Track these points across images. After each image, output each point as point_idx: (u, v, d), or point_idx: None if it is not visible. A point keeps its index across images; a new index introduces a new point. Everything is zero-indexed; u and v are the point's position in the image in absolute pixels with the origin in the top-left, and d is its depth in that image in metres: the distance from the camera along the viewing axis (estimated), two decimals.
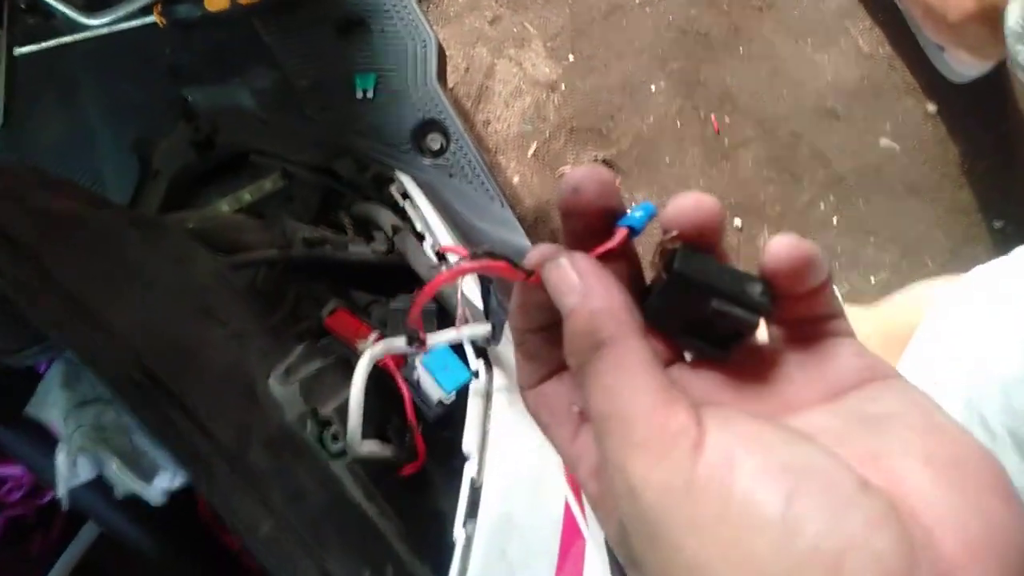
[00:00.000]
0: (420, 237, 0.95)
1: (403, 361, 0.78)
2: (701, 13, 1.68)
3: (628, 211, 0.32)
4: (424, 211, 1.01)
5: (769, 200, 1.69)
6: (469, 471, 0.65)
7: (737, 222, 1.70)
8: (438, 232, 0.98)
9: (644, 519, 0.24)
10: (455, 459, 0.67)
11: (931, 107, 1.62)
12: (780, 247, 0.29)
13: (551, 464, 0.72)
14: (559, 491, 0.71)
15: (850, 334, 0.31)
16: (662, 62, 1.67)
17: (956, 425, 0.25)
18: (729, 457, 0.24)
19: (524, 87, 1.73)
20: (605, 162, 1.73)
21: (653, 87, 1.68)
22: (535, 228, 1.78)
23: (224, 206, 1.24)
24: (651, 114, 1.69)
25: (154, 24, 1.15)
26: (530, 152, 1.75)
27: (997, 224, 1.68)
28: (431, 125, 1.23)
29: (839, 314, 0.31)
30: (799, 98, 1.65)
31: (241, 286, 0.76)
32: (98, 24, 1.18)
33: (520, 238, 1.20)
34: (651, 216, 0.32)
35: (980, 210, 1.68)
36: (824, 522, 0.21)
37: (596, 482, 0.31)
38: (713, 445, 0.24)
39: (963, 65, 1.54)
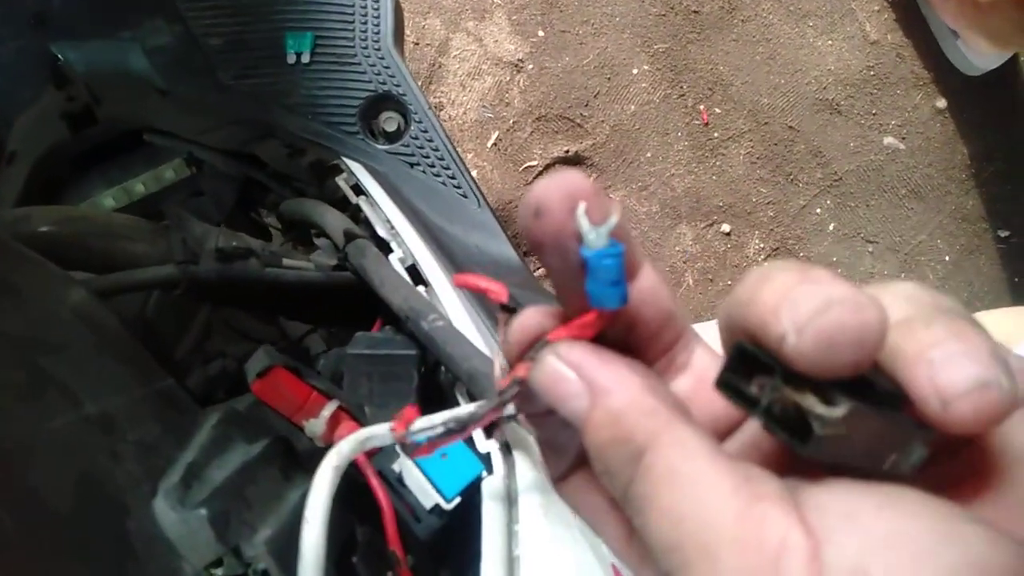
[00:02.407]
0: (384, 246, 0.69)
1: (376, 448, 0.51)
2: None
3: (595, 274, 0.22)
4: (387, 211, 0.74)
5: (761, 203, 1.50)
6: None
7: (725, 227, 1.50)
8: (406, 237, 0.72)
9: None
10: None
11: (940, 103, 1.46)
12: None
13: None
14: None
15: None
16: (646, 42, 1.45)
17: None
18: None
19: (484, 66, 1.47)
20: (577, 156, 1.50)
21: (635, 70, 1.45)
22: None
23: (109, 200, 0.95)
24: (632, 102, 1.46)
25: None
26: (490, 142, 1.49)
27: (1002, 233, 1.53)
28: (385, 100, 0.96)
29: None
30: (797, 88, 1.46)
31: (115, 324, 0.48)
32: None
33: (502, 245, 0.95)
34: (615, 268, 0.22)
35: (985, 218, 1.53)
36: None
37: None
38: (836, 559, 0.18)
39: (978, 55, 1.38)
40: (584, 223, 0.21)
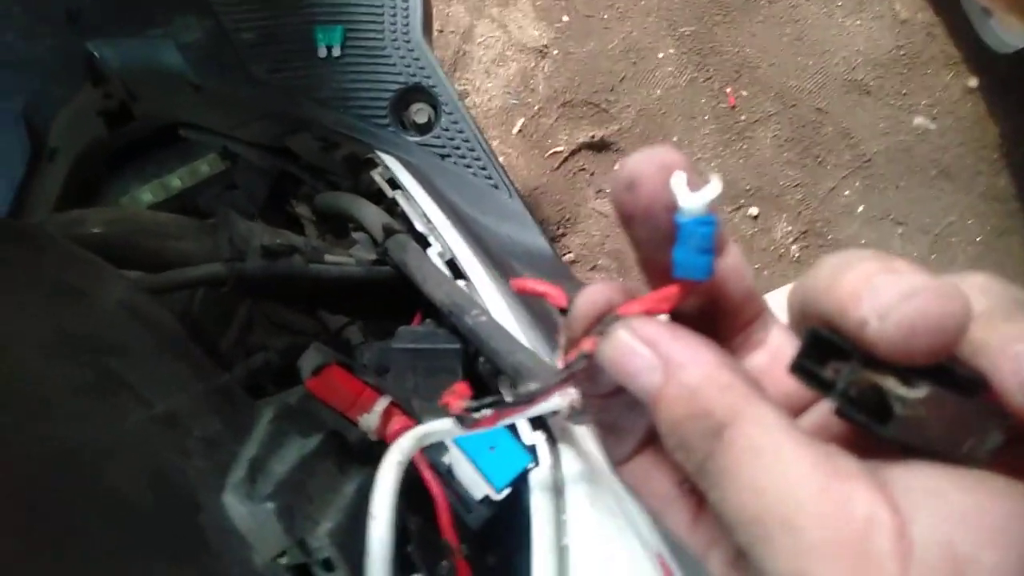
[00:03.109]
0: (422, 241, 0.70)
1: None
2: None
3: (682, 239, 0.22)
4: (423, 205, 0.75)
5: (789, 185, 1.49)
6: None
7: (752, 210, 1.49)
8: (443, 231, 0.73)
9: None
10: None
11: (972, 82, 1.44)
12: None
13: None
14: None
15: None
16: (672, 25, 1.44)
17: None
18: (951, 553, 0.18)
19: (509, 53, 1.47)
20: (603, 141, 1.50)
21: (661, 54, 1.45)
22: None
23: (146, 195, 0.96)
24: (658, 86, 1.46)
25: None
26: (515, 129, 1.50)
27: None
28: (415, 92, 0.97)
29: None
30: (825, 69, 1.44)
31: (171, 322, 0.50)
32: None
33: (533, 234, 0.96)
34: (707, 238, 0.21)
35: (1017, 198, 1.51)
36: None
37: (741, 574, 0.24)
38: (925, 536, 0.18)
39: (1011, 33, 1.35)
40: (682, 188, 0.21)
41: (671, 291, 0.23)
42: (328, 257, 0.66)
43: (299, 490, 0.42)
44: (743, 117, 1.46)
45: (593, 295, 0.24)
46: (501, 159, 1.52)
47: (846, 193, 1.50)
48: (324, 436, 0.47)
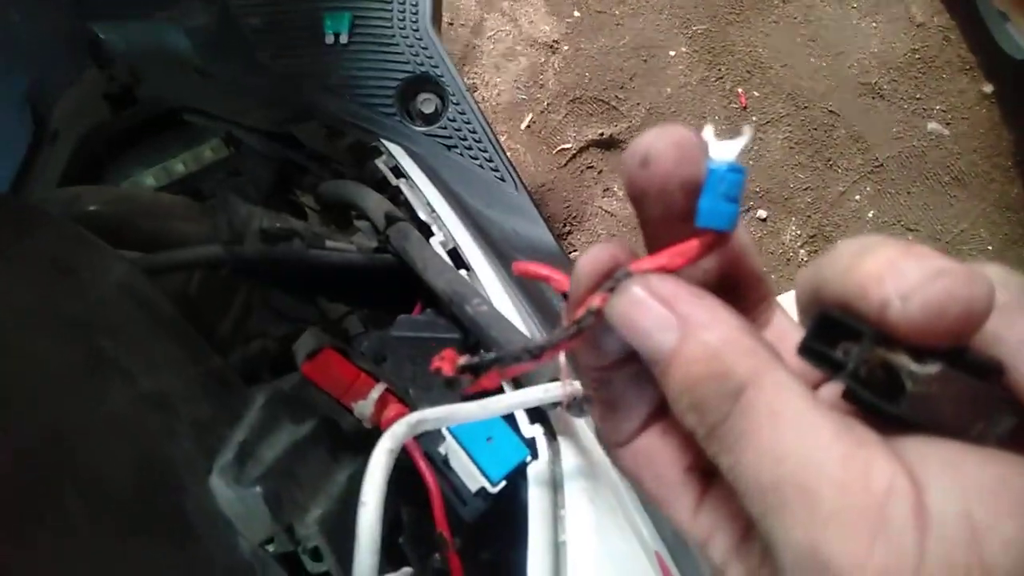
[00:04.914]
0: (425, 229, 0.68)
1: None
2: None
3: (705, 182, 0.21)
4: (427, 194, 0.74)
5: (799, 188, 1.47)
6: None
7: (761, 213, 1.48)
8: (447, 220, 0.72)
9: None
10: None
11: (987, 87, 1.42)
12: None
13: None
14: None
15: None
16: (684, 23, 1.42)
17: None
18: (968, 523, 0.17)
19: (519, 47, 1.46)
20: (612, 139, 1.48)
21: (672, 52, 1.43)
22: None
23: (149, 179, 0.95)
24: (668, 84, 1.44)
25: None
26: (524, 124, 1.48)
27: None
28: (423, 82, 0.96)
29: None
30: (839, 71, 1.43)
31: (166, 304, 0.48)
32: None
33: (539, 229, 0.94)
34: (736, 187, 0.21)
35: None
36: None
37: (744, 562, 0.23)
38: (942, 506, 0.18)
39: None
40: (712, 137, 0.21)
41: (689, 246, 0.22)
42: (328, 243, 0.65)
43: (289, 476, 0.41)
44: (754, 118, 1.44)
45: (598, 253, 0.23)
46: (509, 155, 1.51)
47: (856, 198, 1.48)
48: (317, 423, 0.46)
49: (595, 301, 0.23)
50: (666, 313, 0.21)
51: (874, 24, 1.41)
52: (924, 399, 0.19)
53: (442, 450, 0.47)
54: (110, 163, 0.98)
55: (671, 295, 0.22)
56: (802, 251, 1.49)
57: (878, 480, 0.18)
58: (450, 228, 0.68)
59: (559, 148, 1.48)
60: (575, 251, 1.53)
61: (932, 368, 0.19)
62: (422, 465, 0.44)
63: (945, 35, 1.40)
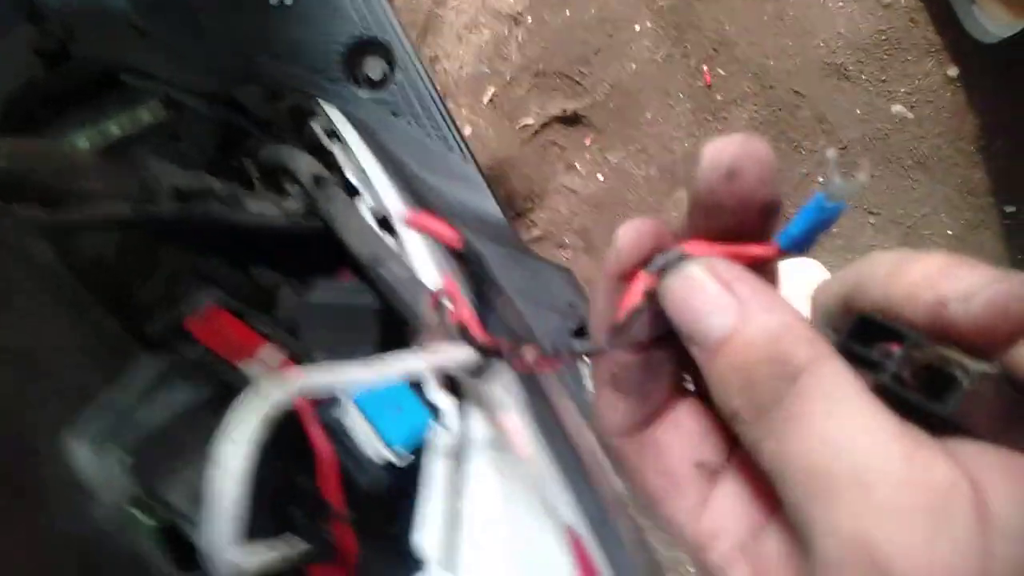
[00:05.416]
0: (353, 192, 0.66)
1: (325, 399, 0.49)
2: None
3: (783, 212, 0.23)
4: (359, 156, 0.71)
5: None
6: None
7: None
8: (379, 186, 0.69)
9: None
10: (408, 561, 0.40)
11: (952, 71, 1.41)
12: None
13: (556, 567, 0.45)
14: None
15: None
16: None
17: None
18: None
19: (482, 19, 1.43)
20: (575, 115, 1.46)
21: (637, 27, 1.41)
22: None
23: (83, 141, 0.91)
24: (633, 60, 1.42)
25: None
26: (486, 98, 1.45)
27: (1009, 209, 1.49)
28: (370, 46, 0.92)
29: None
30: (805, 51, 1.41)
31: (50, 259, 0.45)
32: None
33: (485, 200, 0.92)
34: (831, 222, 0.22)
35: (992, 192, 1.48)
36: None
37: (751, 563, 0.22)
38: (1005, 507, 0.18)
39: (994, 22, 1.33)
40: (835, 170, 0.22)
41: (766, 249, 0.23)
42: (251, 204, 0.62)
43: (169, 443, 0.38)
44: (719, 97, 1.43)
45: (641, 227, 0.23)
46: (469, 129, 1.48)
47: (820, 180, 1.47)
48: (211, 389, 0.43)
49: (645, 283, 0.22)
50: (726, 295, 0.21)
51: (841, 3, 1.39)
52: (973, 399, 0.19)
53: (344, 418, 0.45)
54: (44, 124, 0.94)
55: (732, 279, 0.22)
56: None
57: (941, 479, 0.18)
58: (380, 193, 0.66)
59: (522, 123, 1.46)
60: (536, 228, 1.51)
61: (986, 366, 0.19)
62: (312, 430, 0.42)
63: (912, 16, 1.39)
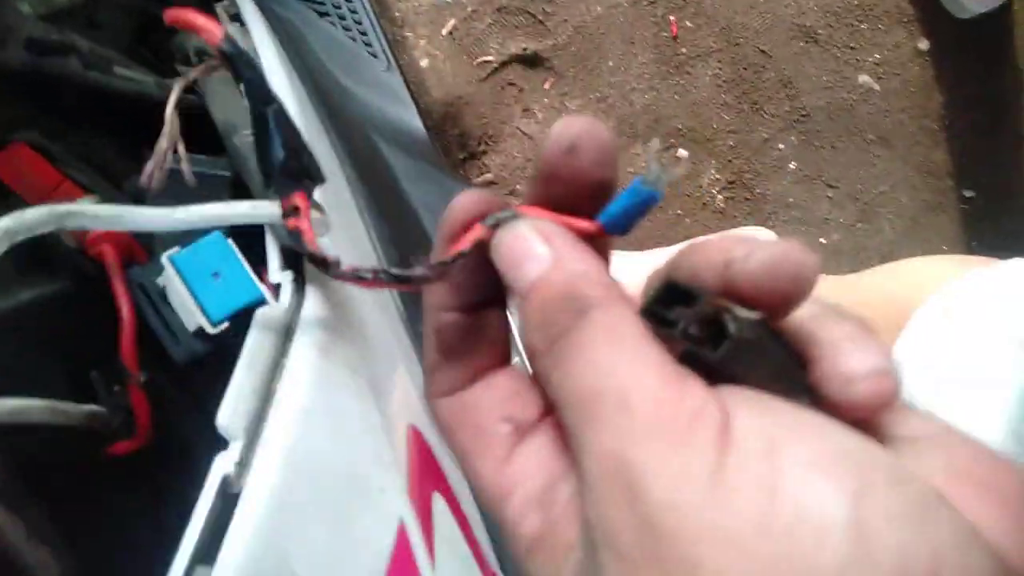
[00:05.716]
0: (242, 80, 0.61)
1: (143, 255, 0.45)
2: None
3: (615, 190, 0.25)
4: (259, 44, 0.66)
5: (722, 130, 1.42)
6: (220, 466, 0.34)
7: (682, 152, 1.42)
8: (275, 79, 0.64)
9: (649, 525, 0.19)
10: (210, 440, 0.36)
11: (923, 44, 1.37)
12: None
13: (382, 464, 0.41)
14: (389, 513, 0.41)
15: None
16: None
17: (996, 452, 0.21)
18: (769, 444, 0.19)
19: None
20: (536, 56, 1.41)
21: None
22: (442, 127, 1.44)
23: None
24: (599, 3, 1.37)
25: None
26: (445, 30, 1.40)
27: (968, 194, 1.47)
28: None
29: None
30: (775, 9, 1.37)
31: None
32: None
33: (405, 111, 0.88)
34: (647, 207, 0.24)
35: (953, 175, 1.46)
36: (909, 531, 0.18)
37: (542, 512, 0.24)
38: (745, 429, 0.20)
39: None
40: (655, 159, 0.24)
41: (589, 224, 0.25)
42: (119, 70, 0.58)
43: None
44: (684, 50, 1.38)
45: (474, 195, 0.26)
46: (426, 61, 1.43)
47: (780, 147, 1.44)
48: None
49: (478, 233, 0.25)
50: (544, 246, 0.23)
51: None
52: (741, 348, 0.21)
53: (160, 281, 0.41)
54: None
55: (552, 235, 0.24)
56: (719, 196, 1.44)
57: (690, 404, 0.20)
58: (272, 80, 0.61)
59: (480, 59, 1.41)
60: (487, 173, 1.46)
61: (753, 314, 0.21)
62: (118, 288, 0.38)
63: None
